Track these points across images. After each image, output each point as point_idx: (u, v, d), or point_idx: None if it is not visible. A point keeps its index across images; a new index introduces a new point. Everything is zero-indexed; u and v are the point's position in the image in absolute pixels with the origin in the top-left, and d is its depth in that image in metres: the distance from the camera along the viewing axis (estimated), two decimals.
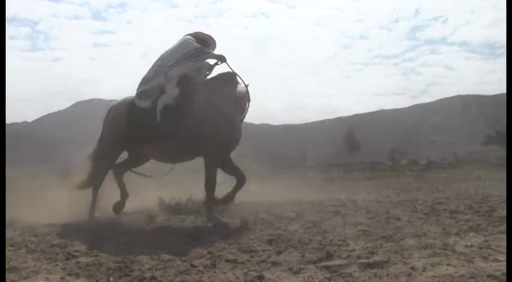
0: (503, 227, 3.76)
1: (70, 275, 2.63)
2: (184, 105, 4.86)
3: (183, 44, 5.19)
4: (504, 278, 2.24)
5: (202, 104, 4.93)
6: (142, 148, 5.28)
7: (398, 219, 4.61)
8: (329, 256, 2.88)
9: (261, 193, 6.96)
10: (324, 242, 3.39)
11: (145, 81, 5.16)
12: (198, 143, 4.90)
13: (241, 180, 5.20)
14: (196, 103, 4.91)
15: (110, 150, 5.46)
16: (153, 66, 5.21)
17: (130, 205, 5.72)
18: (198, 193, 6.36)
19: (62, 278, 2.55)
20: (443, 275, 2.36)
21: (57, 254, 3.25)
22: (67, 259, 3.07)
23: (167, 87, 5.00)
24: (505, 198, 6.13)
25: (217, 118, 4.92)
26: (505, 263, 2.53)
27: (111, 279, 2.55)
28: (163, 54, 5.23)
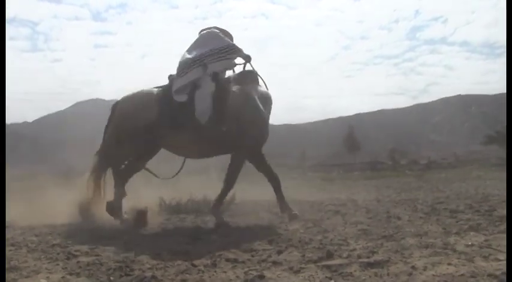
0: (504, 226, 3.76)
1: (71, 274, 2.63)
2: (221, 102, 4.81)
3: (214, 37, 5.15)
4: (504, 277, 2.24)
5: (240, 101, 4.90)
6: (171, 141, 4.98)
7: (399, 218, 4.61)
8: (329, 255, 2.88)
9: (261, 193, 6.94)
10: (325, 242, 3.39)
11: (181, 72, 4.95)
12: (233, 139, 4.86)
13: (274, 182, 5.21)
14: (232, 99, 4.87)
15: (133, 144, 4.99)
16: (186, 58, 5.01)
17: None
18: (198, 193, 6.38)
19: (62, 278, 2.55)
20: (444, 274, 2.36)
21: (57, 253, 3.25)
22: (68, 259, 3.07)
23: (203, 81, 4.87)
24: (505, 198, 6.14)
25: (255, 115, 4.95)
26: (505, 262, 2.53)
27: (111, 278, 2.55)
28: (195, 45, 5.15)
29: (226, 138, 4.83)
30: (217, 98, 4.79)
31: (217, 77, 4.92)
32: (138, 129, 4.87)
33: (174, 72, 5.13)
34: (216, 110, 4.74)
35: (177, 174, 5.36)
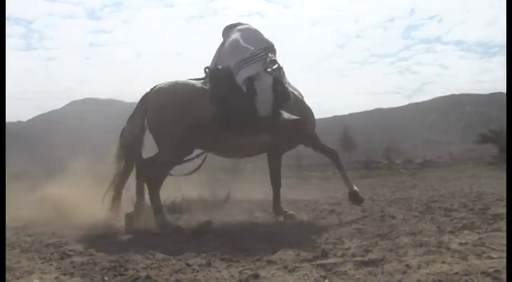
0: (497, 224, 3.78)
1: (64, 274, 2.62)
2: (279, 96, 4.73)
3: (257, 35, 5.08)
4: (497, 275, 2.26)
5: (293, 96, 4.90)
6: (223, 137, 4.58)
7: (393, 217, 4.62)
8: (324, 254, 2.88)
9: (256, 192, 6.96)
10: (319, 241, 3.40)
11: (241, 65, 4.68)
12: (285, 135, 4.84)
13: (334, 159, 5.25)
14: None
15: (181, 139, 4.45)
16: (242, 50, 4.81)
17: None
18: (193, 192, 6.39)
19: (56, 278, 2.54)
20: (438, 273, 2.37)
21: (51, 253, 3.23)
22: (61, 258, 3.06)
23: (260, 75, 4.74)
24: (499, 196, 6.17)
25: (306, 111, 5.01)
26: (498, 260, 2.55)
27: (105, 278, 2.54)
28: (244, 38, 4.94)
29: (281, 134, 4.76)
30: (276, 90, 4.73)
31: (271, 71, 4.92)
32: (184, 125, 4.38)
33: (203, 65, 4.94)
34: (276, 102, 4.66)
35: (195, 171, 5.06)
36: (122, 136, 4.77)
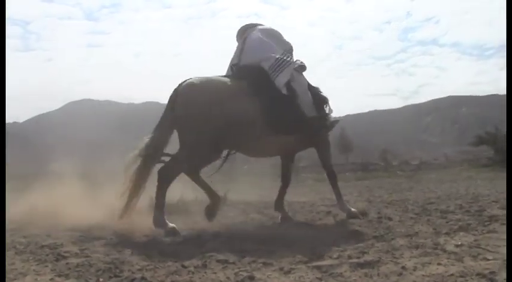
0: (493, 226, 3.80)
1: (59, 276, 2.61)
2: (317, 97, 4.87)
3: (278, 36, 5.12)
4: (492, 276, 2.26)
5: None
6: (262, 137, 4.47)
7: (390, 219, 4.63)
8: (320, 256, 2.88)
9: (253, 194, 6.96)
10: (316, 242, 3.39)
11: (280, 68, 4.63)
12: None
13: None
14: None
15: (210, 137, 4.28)
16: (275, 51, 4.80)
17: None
18: (190, 194, 6.37)
19: (51, 279, 2.52)
20: (434, 274, 2.37)
21: (46, 255, 3.21)
22: (57, 260, 3.04)
23: (294, 76, 4.79)
24: (494, 198, 6.20)
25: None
26: (493, 261, 2.55)
27: (100, 279, 2.53)
28: (273, 39, 4.96)
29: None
30: (312, 91, 4.86)
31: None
32: (217, 123, 4.22)
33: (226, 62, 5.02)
34: (317, 103, 4.80)
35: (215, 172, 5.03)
36: (149, 140, 4.50)
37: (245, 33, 5.10)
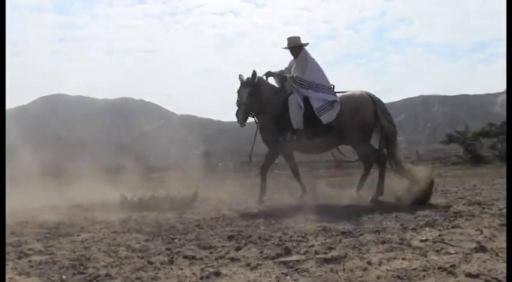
0: (457, 221, 3.89)
1: (20, 274, 2.54)
2: None
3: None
4: (452, 269, 2.32)
5: None
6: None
7: (359, 215, 4.68)
8: (287, 252, 2.89)
9: (224, 191, 6.94)
10: (284, 238, 3.40)
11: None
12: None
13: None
14: None
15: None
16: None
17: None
18: (161, 190, 6.31)
19: (10, 278, 2.45)
20: (398, 269, 2.41)
21: (8, 253, 3.12)
22: (19, 258, 2.96)
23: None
24: (461, 195, 6.34)
25: None
26: (455, 255, 2.61)
27: (63, 277, 2.47)
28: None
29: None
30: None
31: None
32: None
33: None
34: None
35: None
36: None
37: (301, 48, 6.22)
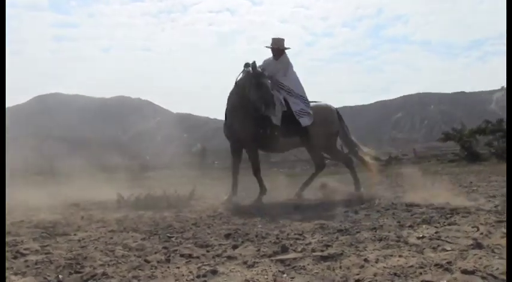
0: (454, 218, 3.90)
1: (16, 274, 2.53)
2: None
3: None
4: (448, 266, 2.33)
5: None
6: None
7: (356, 212, 4.69)
8: (284, 250, 2.89)
9: (222, 189, 6.92)
10: (281, 236, 3.41)
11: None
12: None
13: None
14: None
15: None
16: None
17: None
18: (158, 189, 6.30)
19: (6, 278, 2.44)
20: (394, 266, 2.42)
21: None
22: (15, 258, 2.95)
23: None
24: (457, 192, 6.36)
25: None
26: (451, 252, 2.62)
27: (60, 276, 2.46)
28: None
29: None
30: None
31: None
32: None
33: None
34: None
35: None
36: None
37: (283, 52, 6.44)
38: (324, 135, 6.67)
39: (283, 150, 7.19)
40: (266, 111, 5.86)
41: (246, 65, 6.17)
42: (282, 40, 6.47)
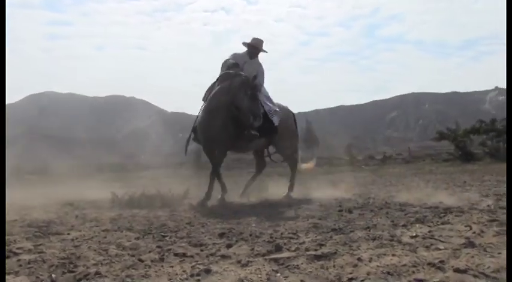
0: (447, 217, 3.93)
1: (9, 273, 2.52)
2: None
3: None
4: (441, 265, 2.34)
5: None
6: None
7: (350, 212, 4.70)
8: (278, 249, 2.90)
9: (216, 188, 6.91)
10: (275, 235, 3.41)
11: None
12: None
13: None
14: None
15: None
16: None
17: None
18: (152, 188, 6.28)
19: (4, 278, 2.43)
20: (388, 265, 2.43)
21: None
22: (7, 257, 2.93)
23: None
24: (452, 191, 6.40)
25: None
26: (444, 251, 2.64)
27: (53, 276, 2.45)
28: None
29: None
30: None
31: None
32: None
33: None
34: None
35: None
36: None
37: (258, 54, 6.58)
38: (289, 134, 6.87)
39: (251, 150, 7.17)
40: (253, 122, 6.06)
41: (233, 65, 6.28)
42: (262, 42, 6.62)
